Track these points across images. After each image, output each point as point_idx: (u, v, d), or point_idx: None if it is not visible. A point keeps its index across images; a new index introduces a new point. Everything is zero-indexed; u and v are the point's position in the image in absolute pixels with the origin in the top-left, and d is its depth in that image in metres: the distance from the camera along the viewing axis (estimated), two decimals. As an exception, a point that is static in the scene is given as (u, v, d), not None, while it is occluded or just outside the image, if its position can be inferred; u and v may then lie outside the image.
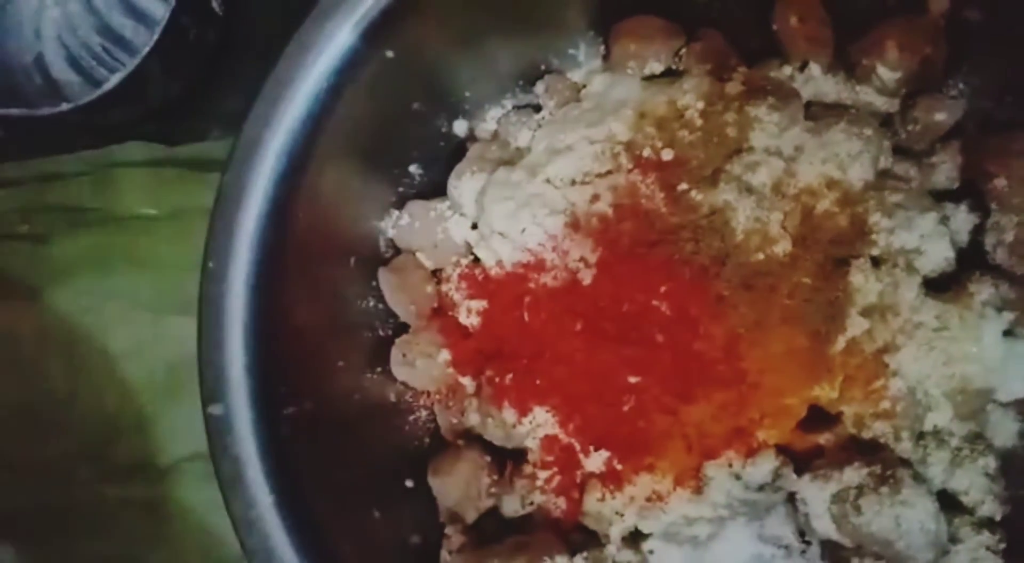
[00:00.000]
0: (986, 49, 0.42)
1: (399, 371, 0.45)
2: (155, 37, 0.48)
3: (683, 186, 0.41)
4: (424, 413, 0.45)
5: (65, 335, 0.52)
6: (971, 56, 0.43)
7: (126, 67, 0.48)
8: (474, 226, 0.45)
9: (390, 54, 0.40)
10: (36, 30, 0.54)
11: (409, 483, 0.43)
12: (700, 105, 0.42)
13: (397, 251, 0.46)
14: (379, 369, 0.45)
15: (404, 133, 0.45)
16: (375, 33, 0.39)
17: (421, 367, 0.44)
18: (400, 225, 0.46)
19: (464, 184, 0.44)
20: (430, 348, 0.44)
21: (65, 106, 0.48)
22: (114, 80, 0.48)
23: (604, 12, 0.45)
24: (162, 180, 0.52)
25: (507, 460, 0.43)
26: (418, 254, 0.46)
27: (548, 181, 0.42)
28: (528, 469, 0.42)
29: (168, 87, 0.53)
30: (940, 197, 0.43)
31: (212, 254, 0.38)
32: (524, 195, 0.42)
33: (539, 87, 0.47)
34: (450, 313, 0.45)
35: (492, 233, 0.43)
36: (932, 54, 0.42)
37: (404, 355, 0.44)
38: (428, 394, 0.45)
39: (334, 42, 0.39)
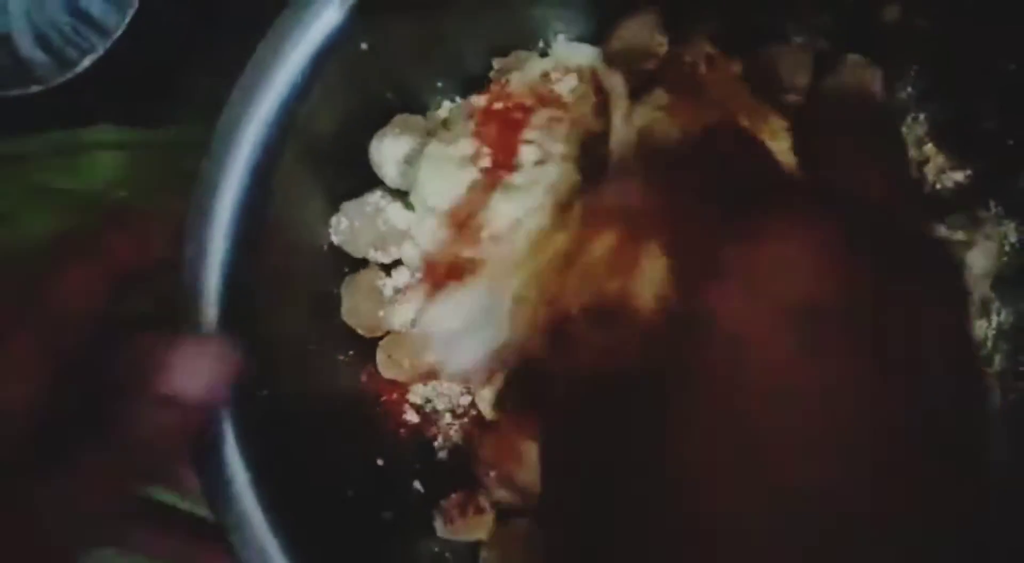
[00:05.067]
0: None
1: (386, 370, 0.46)
2: (127, 19, 0.48)
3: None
4: (396, 395, 0.47)
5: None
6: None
7: (97, 49, 0.48)
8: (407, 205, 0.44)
9: (364, 47, 0.41)
10: (3, 5, 0.53)
11: (380, 462, 0.45)
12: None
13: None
14: (351, 352, 0.46)
15: (373, 126, 0.46)
16: (353, 24, 0.40)
17: (409, 366, 0.45)
18: (341, 230, 0.45)
19: (386, 147, 0.44)
20: (415, 348, 0.44)
21: (35, 88, 0.48)
22: (86, 62, 0.48)
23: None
24: (133, 163, 0.52)
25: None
26: (370, 255, 0.45)
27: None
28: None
29: (139, 70, 0.53)
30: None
31: (188, 242, 0.39)
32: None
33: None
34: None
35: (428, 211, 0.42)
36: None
37: (389, 356, 0.45)
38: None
39: (312, 31, 0.39)
